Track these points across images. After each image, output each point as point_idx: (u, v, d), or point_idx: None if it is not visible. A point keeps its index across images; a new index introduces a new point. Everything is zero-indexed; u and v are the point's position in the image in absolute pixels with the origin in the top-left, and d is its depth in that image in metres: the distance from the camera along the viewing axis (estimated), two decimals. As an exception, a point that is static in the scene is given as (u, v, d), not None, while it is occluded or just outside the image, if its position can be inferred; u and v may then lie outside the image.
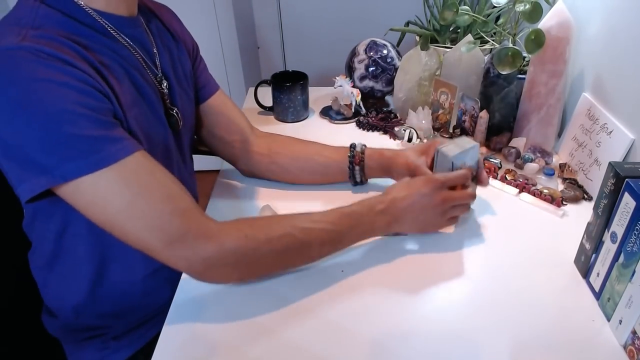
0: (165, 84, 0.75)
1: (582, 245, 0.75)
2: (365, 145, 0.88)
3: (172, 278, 0.74)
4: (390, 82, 1.21)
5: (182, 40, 0.83)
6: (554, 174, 0.95)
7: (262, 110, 1.24)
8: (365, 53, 1.21)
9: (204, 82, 0.88)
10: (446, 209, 0.76)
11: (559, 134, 1.05)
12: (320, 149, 0.90)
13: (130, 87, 0.67)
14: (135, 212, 0.57)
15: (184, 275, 0.75)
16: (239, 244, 0.62)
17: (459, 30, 1.20)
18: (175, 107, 0.78)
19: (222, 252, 0.61)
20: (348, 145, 0.89)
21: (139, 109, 0.68)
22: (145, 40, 0.73)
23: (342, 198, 0.88)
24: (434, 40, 1.19)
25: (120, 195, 0.57)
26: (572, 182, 0.94)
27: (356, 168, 0.87)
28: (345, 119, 1.21)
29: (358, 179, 0.88)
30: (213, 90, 0.89)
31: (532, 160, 0.98)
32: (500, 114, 1.05)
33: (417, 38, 1.19)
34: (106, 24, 0.65)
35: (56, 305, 0.79)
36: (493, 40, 1.09)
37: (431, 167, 0.83)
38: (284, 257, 0.68)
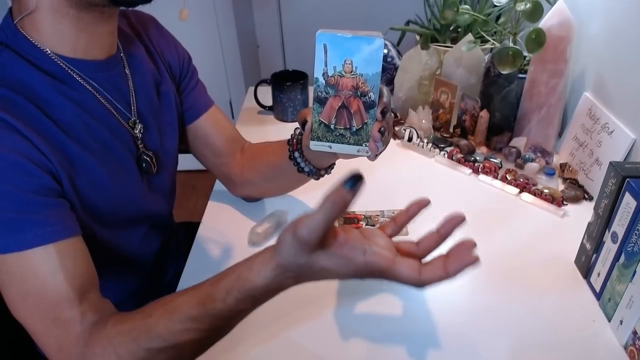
0: (139, 128, 0.71)
1: (582, 245, 0.74)
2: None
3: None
4: (390, 81, 1.21)
5: (165, 63, 0.78)
6: (554, 173, 0.95)
7: (262, 109, 1.24)
8: (366, 52, 1.21)
9: (190, 104, 0.82)
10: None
11: (560, 134, 1.05)
12: (270, 147, 0.82)
13: (92, 144, 0.63)
14: (25, 309, 0.55)
15: (182, 276, 0.75)
16: None
17: (459, 30, 1.20)
18: (151, 151, 0.73)
19: None
20: None
21: (102, 166, 0.64)
22: (120, 82, 0.68)
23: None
24: (434, 40, 1.19)
25: (10, 286, 0.54)
26: (573, 182, 0.94)
27: (296, 154, 0.73)
28: (345, 118, 1.20)
29: (304, 167, 0.73)
30: (199, 113, 0.83)
31: (532, 160, 0.98)
32: (500, 113, 1.04)
33: (418, 37, 1.19)
34: (72, 71, 0.61)
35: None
36: (494, 40, 1.09)
37: None
38: None
